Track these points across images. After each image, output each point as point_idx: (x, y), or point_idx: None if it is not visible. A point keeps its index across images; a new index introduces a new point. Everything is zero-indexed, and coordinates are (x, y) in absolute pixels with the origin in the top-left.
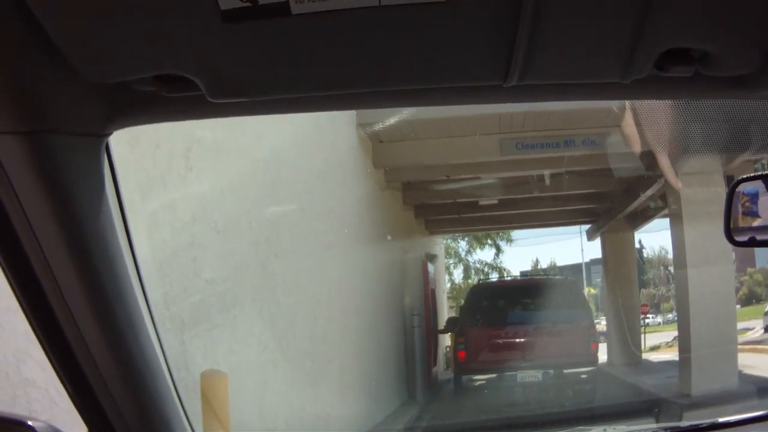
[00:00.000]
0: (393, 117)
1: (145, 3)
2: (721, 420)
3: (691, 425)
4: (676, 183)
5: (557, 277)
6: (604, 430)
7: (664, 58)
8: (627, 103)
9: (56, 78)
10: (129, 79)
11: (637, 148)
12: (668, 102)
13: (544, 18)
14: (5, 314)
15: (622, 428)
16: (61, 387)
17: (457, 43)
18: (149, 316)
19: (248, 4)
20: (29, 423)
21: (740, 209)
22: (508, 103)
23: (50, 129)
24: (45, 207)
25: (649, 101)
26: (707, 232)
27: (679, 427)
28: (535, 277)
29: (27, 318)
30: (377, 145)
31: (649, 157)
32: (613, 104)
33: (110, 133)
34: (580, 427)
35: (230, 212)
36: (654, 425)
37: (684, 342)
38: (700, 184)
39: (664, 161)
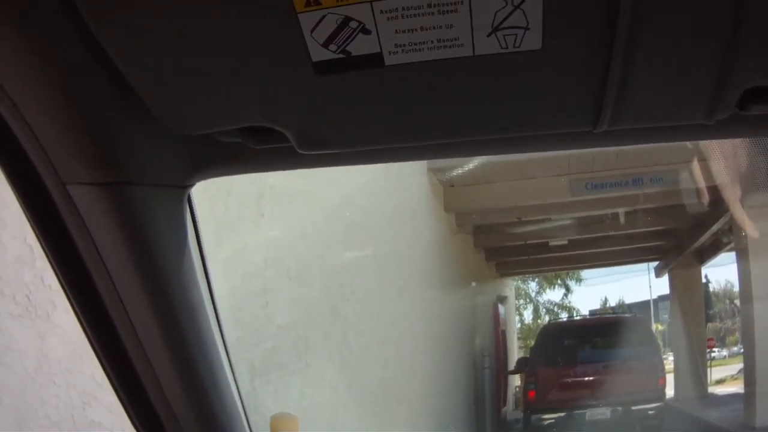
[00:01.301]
0: (464, 162)
1: (232, 55)
2: None
3: None
4: (743, 217)
5: (626, 314)
6: None
7: (745, 97)
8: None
9: (139, 129)
10: (215, 131)
11: (704, 183)
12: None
13: (635, 62)
14: (72, 358)
15: None
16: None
17: (549, 91)
18: (230, 366)
19: (341, 55)
20: None
21: None
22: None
23: (131, 180)
24: (126, 258)
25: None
26: None
27: None
28: (604, 316)
29: (106, 373)
30: (448, 190)
31: (715, 192)
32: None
33: (193, 184)
34: None
35: (302, 258)
36: None
37: (749, 375)
38: (767, 217)
39: (730, 195)
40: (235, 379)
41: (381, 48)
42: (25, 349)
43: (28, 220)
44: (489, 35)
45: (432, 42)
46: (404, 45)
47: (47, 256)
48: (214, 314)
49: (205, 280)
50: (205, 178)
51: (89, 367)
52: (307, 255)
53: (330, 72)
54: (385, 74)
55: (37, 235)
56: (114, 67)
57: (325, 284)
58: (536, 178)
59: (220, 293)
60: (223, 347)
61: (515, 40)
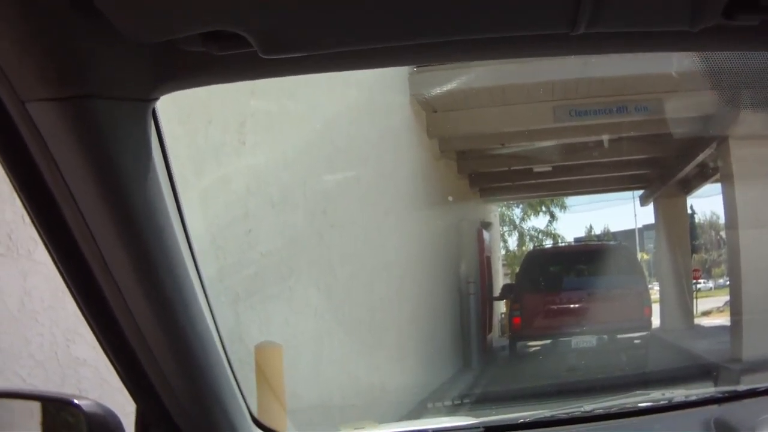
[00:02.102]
0: (446, 86)
1: None
2: None
3: (748, 389)
4: (728, 146)
5: (611, 242)
6: (663, 393)
7: (732, 5)
8: (678, 68)
9: (96, 40)
10: (175, 38)
11: (690, 113)
12: (718, 64)
13: None
14: (55, 295)
15: (681, 392)
16: (111, 365)
17: None
18: (201, 288)
19: None
20: (75, 401)
21: None
22: (571, 55)
23: (91, 94)
24: (87, 175)
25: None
26: (759, 193)
27: (736, 392)
28: (590, 243)
29: (72, 294)
30: (431, 115)
31: (701, 122)
32: (665, 70)
33: (157, 98)
34: (638, 391)
35: (285, 184)
36: (712, 389)
37: (735, 306)
38: (752, 145)
39: (716, 125)
40: (209, 305)
41: None
42: (8, 288)
43: None
44: None
45: None
46: None
47: (11, 182)
48: (184, 237)
49: (173, 199)
50: (169, 91)
51: (72, 304)
52: (290, 182)
53: None
54: None
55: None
56: None
57: (309, 211)
58: (520, 104)
59: (202, 222)
60: (195, 270)
61: None
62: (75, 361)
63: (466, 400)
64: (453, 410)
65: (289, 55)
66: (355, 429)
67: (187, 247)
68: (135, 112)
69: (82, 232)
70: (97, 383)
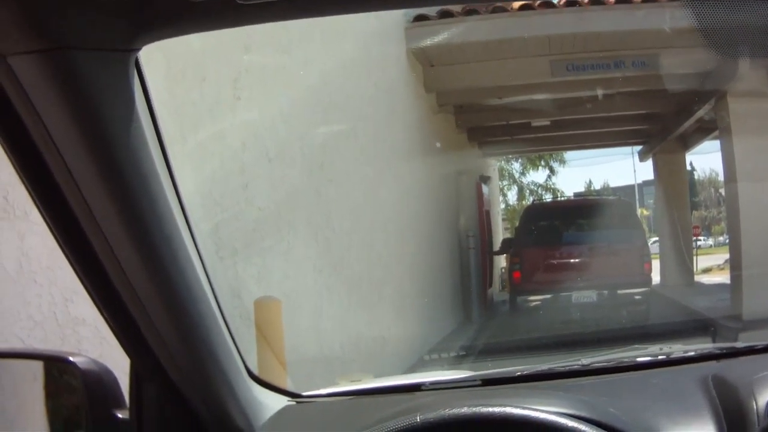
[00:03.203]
0: (443, 39)
1: None
2: None
3: (746, 347)
4: (727, 102)
5: (611, 197)
6: (660, 348)
7: None
8: (675, 24)
9: None
10: None
11: (689, 69)
12: (715, 19)
13: None
14: (52, 255)
15: (678, 347)
16: (105, 322)
17: None
18: (193, 243)
19: None
20: (70, 359)
21: None
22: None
23: (70, 45)
24: (71, 128)
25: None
26: (758, 146)
27: (735, 348)
28: (590, 197)
29: (62, 251)
30: (428, 69)
31: (700, 78)
32: (662, 25)
33: (138, 49)
34: (636, 345)
35: (282, 139)
36: (710, 345)
37: (735, 262)
38: (750, 100)
39: (715, 80)
40: (201, 260)
41: None
42: (5, 250)
43: None
44: None
45: None
46: None
47: None
48: (173, 190)
49: (158, 146)
50: (148, 41)
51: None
52: (286, 137)
53: None
54: None
55: None
56: None
57: (306, 165)
58: (517, 57)
59: (199, 178)
60: (186, 224)
61: None
62: (74, 321)
63: (462, 353)
64: (450, 363)
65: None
66: (352, 381)
67: (176, 199)
68: (116, 63)
69: (69, 187)
70: (97, 342)
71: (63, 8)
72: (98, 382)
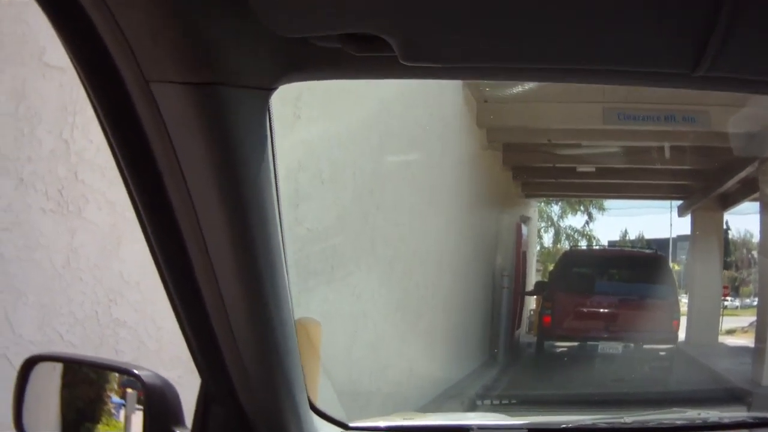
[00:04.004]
0: None
1: None
2: None
3: None
4: None
5: (647, 250)
6: (698, 413)
7: None
8: None
9: (235, 29)
10: (317, 35)
11: (736, 129)
12: None
13: (744, 12)
14: (101, 254)
15: (715, 413)
16: (150, 328)
17: (658, 30)
18: (287, 277)
19: None
20: (135, 371)
21: None
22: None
23: (220, 81)
24: (203, 158)
25: None
26: None
27: (767, 419)
28: (626, 249)
29: (159, 269)
30: (482, 105)
31: (747, 139)
32: None
33: (277, 87)
34: (675, 409)
35: (336, 162)
36: (744, 414)
37: (761, 330)
38: None
39: (761, 144)
40: (290, 292)
41: None
42: (55, 245)
43: (98, 117)
44: None
45: None
46: None
47: (116, 155)
48: (279, 221)
49: (273, 182)
50: (292, 81)
51: (118, 264)
52: (341, 159)
53: None
54: None
55: (106, 133)
56: None
57: (357, 190)
58: (570, 102)
59: None
60: (284, 255)
61: None
62: (115, 322)
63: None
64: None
65: (429, 65)
66: (404, 419)
67: (281, 235)
68: (256, 100)
69: (186, 211)
70: (135, 345)
71: (220, 46)
72: (161, 397)
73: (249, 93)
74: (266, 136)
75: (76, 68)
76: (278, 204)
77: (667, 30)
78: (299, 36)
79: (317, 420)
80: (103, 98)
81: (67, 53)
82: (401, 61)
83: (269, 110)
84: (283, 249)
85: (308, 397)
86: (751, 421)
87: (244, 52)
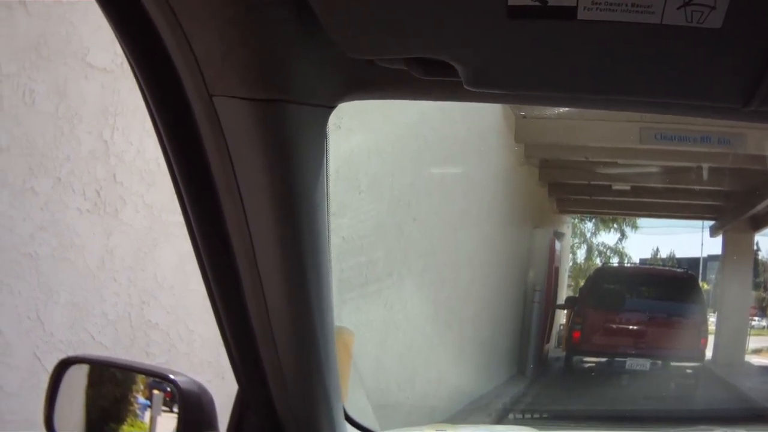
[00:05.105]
0: None
1: None
2: None
3: None
4: None
5: (678, 269)
6: (725, 431)
7: None
8: None
9: (304, 48)
10: (387, 57)
11: None
12: None
13: None
14: (136, 256)
15: None
16: (182, 331)
17: (715, 67)
18: (331, 289)
19: (537, 3)
20: (171, 376)
21: None
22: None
23: (284, 98)
24: (261, 173)
25: None
26: None
27: None
28: (657, 267)
29: (204, 276)
30: (520, 120)
31: None
32: None
33: (336, 105)
34: (702, 427)
35: (374, 172)
36: None
37: None
38: None
39: None
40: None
41: (577, 2)
42: (90, 245)
43: (156, 127)
44: (679, 8)
45: (626, 4)
46: (600, 3)
47: (169, 165)
48: (328, 236)
49: (326, 198)
50: (354, 99)
51: (152, 267)
52: (379, 170)
53: (523, 17)
54: (575, 27)
55: (163, 143)
56: None
57: (394, 201)
58: (608, 120)
59: None
60: (329, 269)
61: (700, 17)
62: (147, 324)
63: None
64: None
65: (492, 91)
66: (437, 429)
67: (328, 250)
68: (317, 117)
69: (239, 223)
70: (165, 348)
71: (287, 64)
72: (197, 402)
73: (311, 110)
74: (323, 152)
75: (137, 77)
76: (328, 218)
77: (725, 66)
78: (370, 57)
79: (350, 429)
80: (163, 109)
81: (129, 62)
82: (465, 86)
83: (327, 127)
84: (330, 262)
85: (343, 407)
86: None
87: (310, 71)
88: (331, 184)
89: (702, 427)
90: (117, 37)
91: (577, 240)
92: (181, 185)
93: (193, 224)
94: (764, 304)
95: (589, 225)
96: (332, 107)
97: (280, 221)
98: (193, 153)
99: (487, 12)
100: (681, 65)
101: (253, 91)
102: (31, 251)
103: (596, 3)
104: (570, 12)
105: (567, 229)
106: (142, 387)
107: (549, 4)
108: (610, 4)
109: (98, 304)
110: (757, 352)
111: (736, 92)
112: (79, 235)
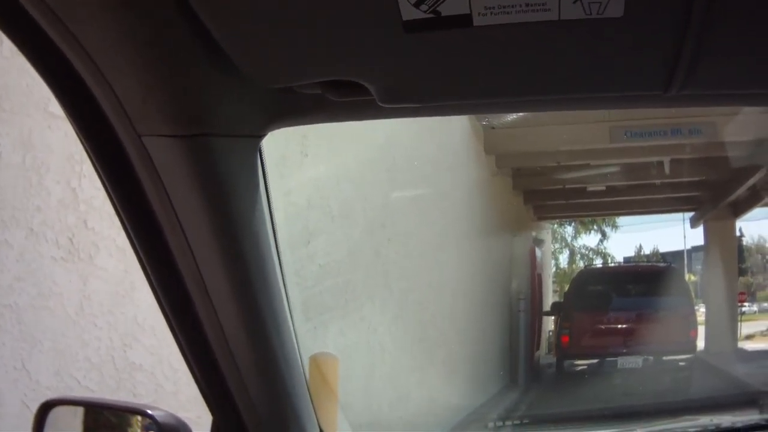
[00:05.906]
0: None
1: (324, 10)
2: None
3: None
4: None
5: (661, 264)
6: (711, 419)
7: None
8: None
9: (221, 82)
10: (298, 84)
11: (742, 137)
12: None
13: (711, 31)
14: (114, 300)
15: (727, 419)
16: (167, 371)
17: (626, 56)
18: (289, 312)
19: (431, 15)
20: (149, 411)
21: None
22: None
23: (209, 132)
24: (199, 207)
25: None
26: None
27: None
28: (640, 264)
29: (163, 312)
30: (489, 132)
31: (753, 146)
32: None
33: (266, 134)
34: (687, 417)
35: (346, 198)
36: (757, 417)
37: None
38: None
39: (766, 151)
40: (294, 330)
41: (471, 9)
42: (68, 292)
43: (98, 173)
44: (575, 2)
45: (520, 5)
46: (493, 7)
47: (117, 211)
48: (278, 264)
49: (271, 226)
50: (279, 127)
51: (131, 309)
52: (350, 195)
53: (419, 30)
54: (472, 34)
55: (107, 188)
56: (199, 21)
57: (368, 225)
58: (577, 123)
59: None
60: (285, 295)
61: (599, 8)
62: (131, 366)
63: (526, 421)
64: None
65: (406, 105)
66: None
67: (280, 274)
68: (246, 147)
69: (185, 257)
70: (152, 388)
71: (206, 99)
72: None
73: (238, 141)
74: (258, 181)
75: (72, 125)
76: (276, 245)
77: (639, 57)
78: (281, 86)
79: None
80: (98, 152)
81: (63, 110)
82: (379, 104)
83: (261, 156)
84: (284, 289)
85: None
86: (764, 423)
87: (230, 103)
88: (303, 212)
89: (688, 416)
90: (47, 85)
91: (558, 245)
92: (127, 224)
93: (144, 262)
94: (753, 289)
95: (569, 229)
96: (260, 136)
97: (223, 251)
98: (133, 193)
99: (383, 29)
100: (589, 58)
101: (177, 128)
102: (11, 302)
103: (489, 8)
104: (465, 20)
105: (547, 235)
106: (121, 423)
107: (443, 14)
108: (504, 7)
109: (81, 350)
110: (750, 337)
111: (654, 79)
112: (57, 283)
